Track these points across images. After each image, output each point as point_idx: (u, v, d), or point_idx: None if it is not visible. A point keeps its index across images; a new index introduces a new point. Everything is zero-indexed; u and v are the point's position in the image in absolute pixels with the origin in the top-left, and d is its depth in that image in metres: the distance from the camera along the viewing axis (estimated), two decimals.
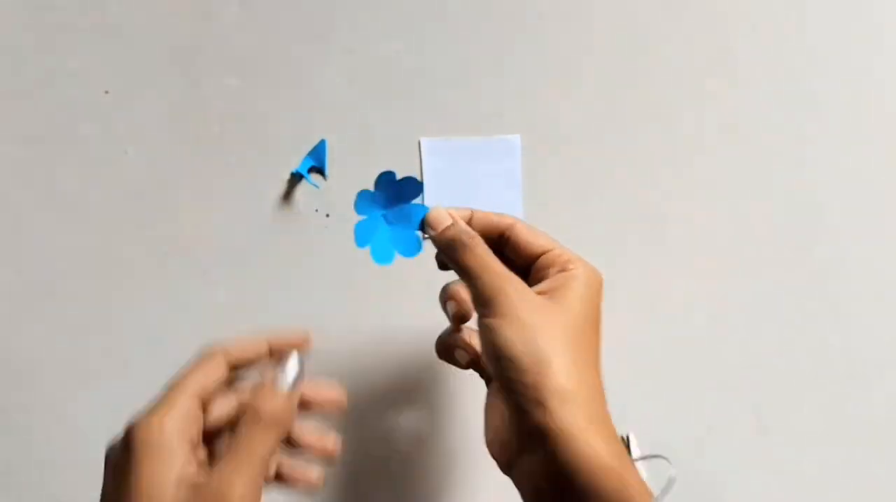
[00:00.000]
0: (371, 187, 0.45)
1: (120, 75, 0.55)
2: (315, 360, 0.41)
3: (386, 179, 0.47)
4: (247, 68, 0.55)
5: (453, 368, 0.46)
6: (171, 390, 0.38)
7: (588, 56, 0.56)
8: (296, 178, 0.55)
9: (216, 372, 0.39)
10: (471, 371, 0.45)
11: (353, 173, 0.55)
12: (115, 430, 0.56)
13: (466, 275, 0.41)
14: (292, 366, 0.39)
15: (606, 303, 0.41)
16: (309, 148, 0.56)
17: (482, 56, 0.56)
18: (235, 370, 0.41)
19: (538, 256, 0.42)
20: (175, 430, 0.36)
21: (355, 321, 0.56)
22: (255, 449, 0.36)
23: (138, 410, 0.37)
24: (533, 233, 0.43)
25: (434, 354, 0.46)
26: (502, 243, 0.44)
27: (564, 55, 0.56)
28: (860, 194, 0.57)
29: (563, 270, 0.41)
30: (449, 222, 0.43)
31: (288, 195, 0.56)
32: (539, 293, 0.41)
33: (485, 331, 0.39)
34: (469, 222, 0.44)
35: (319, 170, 0.56)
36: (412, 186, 0.47)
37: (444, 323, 0.46)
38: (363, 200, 0.47)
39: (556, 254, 0.42)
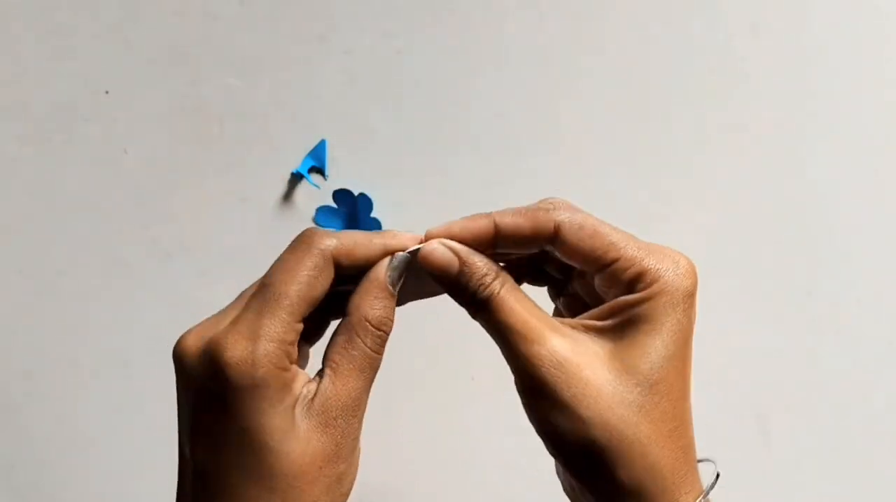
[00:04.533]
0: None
1: (120, 75, 0.55)
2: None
3: (342, 196, 0.54)
4: (247, 68, 0.55)
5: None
6: (268, 307, 0.31)
7: (588, 55, 0.56)
8: (296, 178, 0.55)
9: (324, 283, 0.32)
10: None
11: (353, 173, 0.55)
12: (115, 430, 0.56)
13: (497, 339, 0.33)
14: (401, 264, 0.33)
15: None
16: (309, 148, 0.56)
17: (483, 55, 0.56)
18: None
19: (602, 268, 0.32)
20: (274, 364, 0.30)
21: None
22: (368, 356, 0.33)
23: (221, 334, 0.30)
24: (587, 236, 0.32)
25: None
26: (546, 255, 0.34)
27: (565, 54, 0.56)
28: (862, 195, 0.57)
29: (630, 291, 0.32)
30: (454, 266, 0.32)
31: (288, 195, 0.56)
32: (601, 336, 0.32)
33: (530, 413, 0.32)
34: (490, 241, 0.33)
35: (319, 170, 0.56)
36: (365, 201, 0.53)
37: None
38: (323, 215, 0.53)
39: (620, 266, 0.32)
